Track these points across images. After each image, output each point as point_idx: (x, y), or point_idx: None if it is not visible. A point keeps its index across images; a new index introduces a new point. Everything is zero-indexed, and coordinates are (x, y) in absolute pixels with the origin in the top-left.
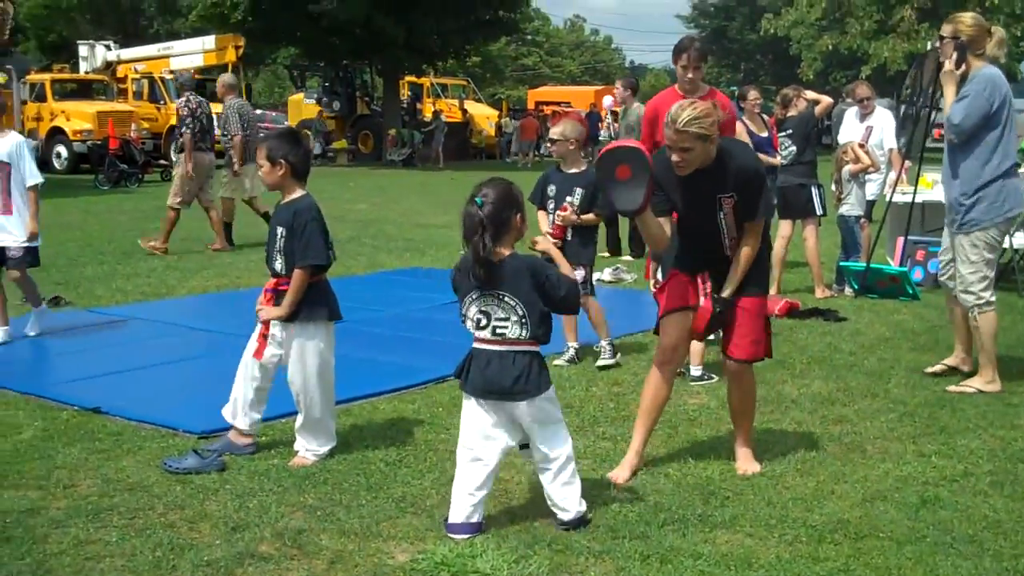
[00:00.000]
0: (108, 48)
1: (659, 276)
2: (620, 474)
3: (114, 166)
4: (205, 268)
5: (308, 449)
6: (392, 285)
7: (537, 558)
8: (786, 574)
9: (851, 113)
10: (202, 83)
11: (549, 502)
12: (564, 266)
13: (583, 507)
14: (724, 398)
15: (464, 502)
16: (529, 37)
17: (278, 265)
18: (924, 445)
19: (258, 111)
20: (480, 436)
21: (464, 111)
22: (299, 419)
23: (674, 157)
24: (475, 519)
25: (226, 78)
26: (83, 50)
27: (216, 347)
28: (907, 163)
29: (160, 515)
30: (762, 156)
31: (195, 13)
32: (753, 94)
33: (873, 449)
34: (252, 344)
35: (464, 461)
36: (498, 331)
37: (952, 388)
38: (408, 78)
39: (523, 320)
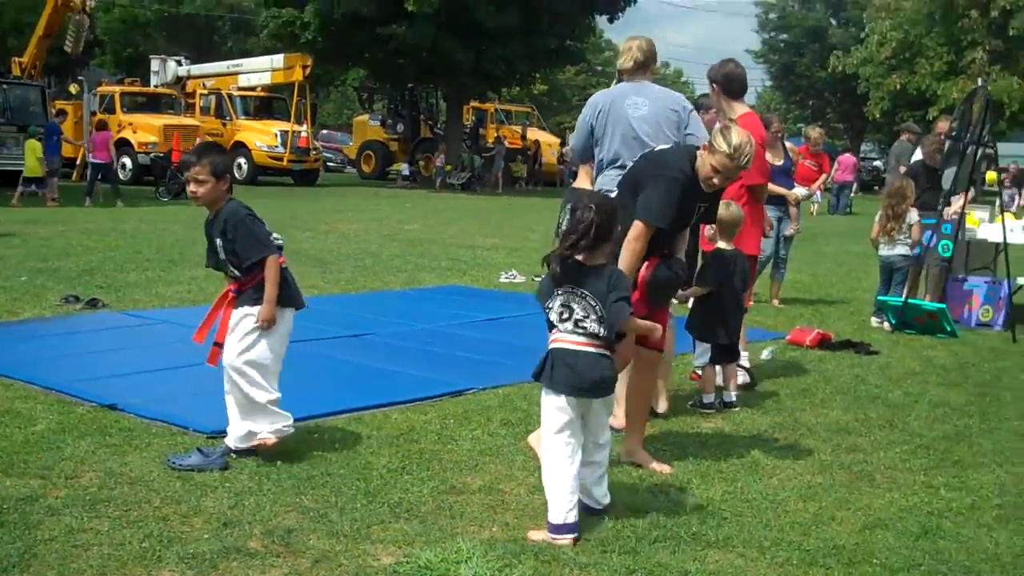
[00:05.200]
0: (179, 63)
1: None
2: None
3: (175, 178)
4: None
5: (268, 431)
6: (426, 301)
7: (522, 567)
8: None
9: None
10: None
11: (587, 497)
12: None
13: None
14: (739, 423)
15: (566, 501)
16: (599, 68)
17: (230, 272)
18: (934, 477)
19: (324, 131)
20: (572, 431)
21: (523, 138)
22: (233, 409)
23: (716, 181)
24: (573, 519)
25: None
26: (155, 64)
27: None
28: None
29: (155, 508)
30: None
31: (267, 31)
32: (775, 125)
33: (882, 478)
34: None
35: (563, 457)
36: (580, 325)
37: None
38: (473, 103)
39: (601, 319)
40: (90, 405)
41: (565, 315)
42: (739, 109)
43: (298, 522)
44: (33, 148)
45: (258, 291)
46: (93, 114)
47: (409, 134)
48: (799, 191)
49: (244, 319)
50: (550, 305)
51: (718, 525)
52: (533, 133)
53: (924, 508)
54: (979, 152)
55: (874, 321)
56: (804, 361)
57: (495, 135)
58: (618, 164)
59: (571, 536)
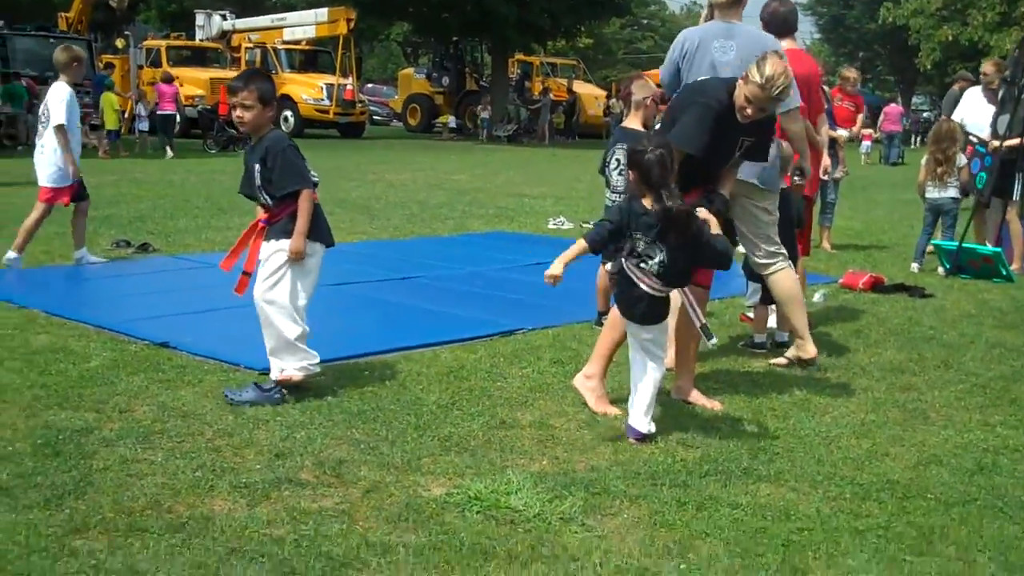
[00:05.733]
0: (224, 18)
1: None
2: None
3: (223, 131)
4: None
5: (294, 368)
6: (474, 246)
7: (572, 498)
8: (824, 527)
9: (976, 93)
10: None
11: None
12: (715, 227)
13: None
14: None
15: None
16: (645, 21)
17: (264, 200)
18: (991, 416)
19: (369, 85)
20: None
21: (571, 91)
22: (268, 340)
23: (749, 112)
24: (652, 427)
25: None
26: (200, 19)
27: None
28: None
29: (208, 440)
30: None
31: None
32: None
33: (937, 416)
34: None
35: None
36: (659, 272)
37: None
38: (518, 56)
39: (661, 264)
40: (143, 343)
41: (649, 260)
42: (786, 45)
43: (349, 454)
44: (110, 101)
45: (289, 223)
46: (140, 67)
47: (454, 87)
48: (841, 132)
49: (275, 254)
50: (632, 248)
51: (769, 460)
52: (579, 86)
53: (980, 445)
54: None
55: (914, 267)
56: (857, 303)
57: (541, 87)
58: None
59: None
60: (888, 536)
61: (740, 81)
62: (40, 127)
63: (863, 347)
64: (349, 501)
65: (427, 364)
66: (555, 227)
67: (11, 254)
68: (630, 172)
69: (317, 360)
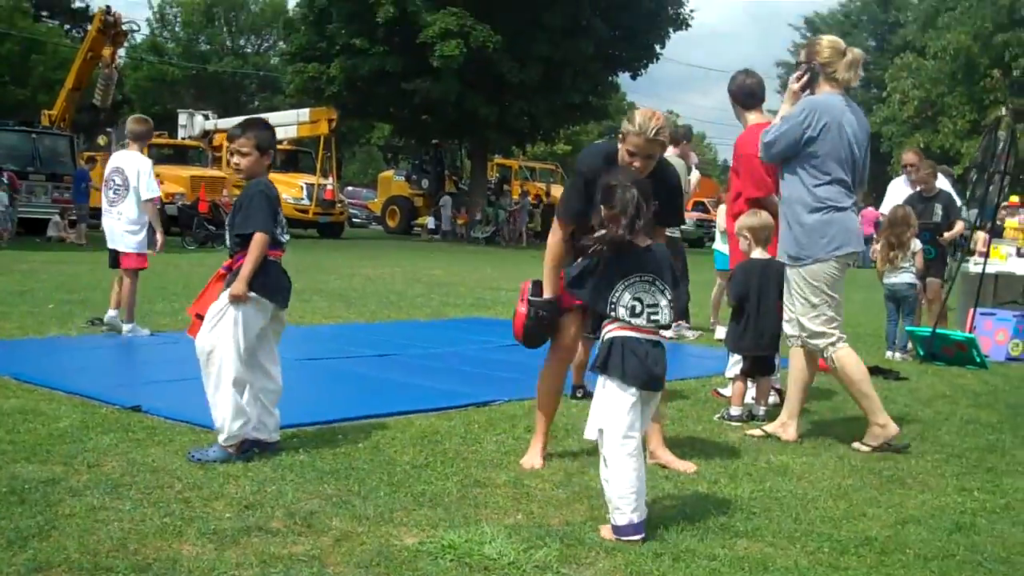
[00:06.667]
0: (206, 118)
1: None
2: (535, 462)
3: (202, 227)
4: None
5: (234, 429)
6: (452, 329)
7: (546, 548)
8: None
9: (899, 182)
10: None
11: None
12: None
13: None
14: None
15: (632, 500)
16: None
17: (227, 241)
18: (967, 482)
19: (349, 188)
20: (638, 427)
21: (548, 194)
22: (208, 388)
23: (637, 164)
24: (639, 518)
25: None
26: (182, 118)
27: None
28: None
29: (177, 492)
30: None
31: (293, 86)
32: None
33: (913, 482)
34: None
35: (625, 454)
36: (652, 318)
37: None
38: (497, 160)
39: (671, 305)
40: (113, 407)
41: (638, 309)
42: (752, 118)
43: (320, 507)
44: None
45: None
46: None
47: (433, 189)
48: None
49: (221, 297)
50: (615, 299)
51: (747, 518)
52: (557, 190)
53: (957, 508)
54: (1005, 181)
55: (888, 355)
56: (831, 384)
57: (519, 190)
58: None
59: (639, 536)
60: None
61: (618, 142)
62: (111, 194)
63: (839, 421)
64: (320, 548)
65: (401, 429)
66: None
67: (127, 326)
68: (601, 208)
69: (251, 423)
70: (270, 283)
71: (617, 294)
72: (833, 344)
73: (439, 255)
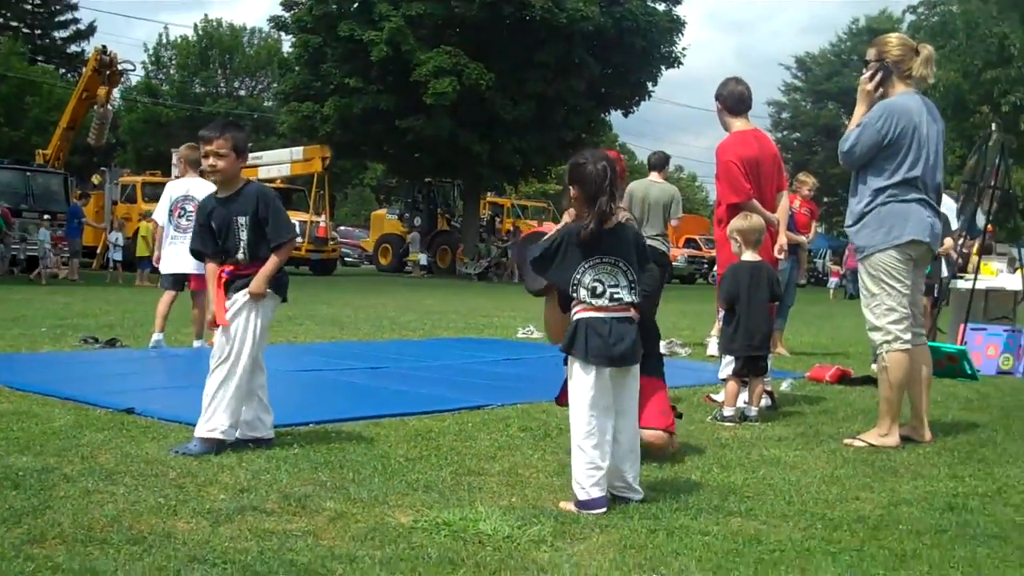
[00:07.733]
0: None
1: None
2: None
3: None
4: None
5: (222, 425)
6: (444, 347)
7: (541, 525)
8: (796, 549)
9: None
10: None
11: (621, 483)
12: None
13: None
14: (760, 431)
15: (592, 475)
16: None
17: (241, 255)
18: (959, 470)
19: (341, 228)
20: (602, 407)
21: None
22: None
23: None
24: (599, 492)
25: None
26: (176, 157)
27: None
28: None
29: (172, 480)
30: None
31: (286, 125)
32: None
33: (905, 471)
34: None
35: (587, 431)
36: (615, 297)
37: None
38: (489, 198)
39: (632, 285)
40: (107, 410)
41: (599, 289)
42: (738, 125)
43: (315, 491)
44: (145, 229)
45: None
46: (114, 203)
47: (426, 227)
48: (800, 238)
49: (235, 298)
50: (576, 281)
51: (740, 501)
52: (549, 227)
53: (949, 492)
54: (993, 196)
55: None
56: (824, 392)
57: (510, 227)
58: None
59: (599, 510)
60: (862, 556)
61: None
62: (184, 221)
63: (831, 421)
64: (315, 525)
65: (395, 428)
66: (524, 335)
67: (196, 343)
68: (571, 188)
69: (270, 421)
70: (282, 279)
71: (578, 276)
72: (889, 343)
73: (431, 289)
